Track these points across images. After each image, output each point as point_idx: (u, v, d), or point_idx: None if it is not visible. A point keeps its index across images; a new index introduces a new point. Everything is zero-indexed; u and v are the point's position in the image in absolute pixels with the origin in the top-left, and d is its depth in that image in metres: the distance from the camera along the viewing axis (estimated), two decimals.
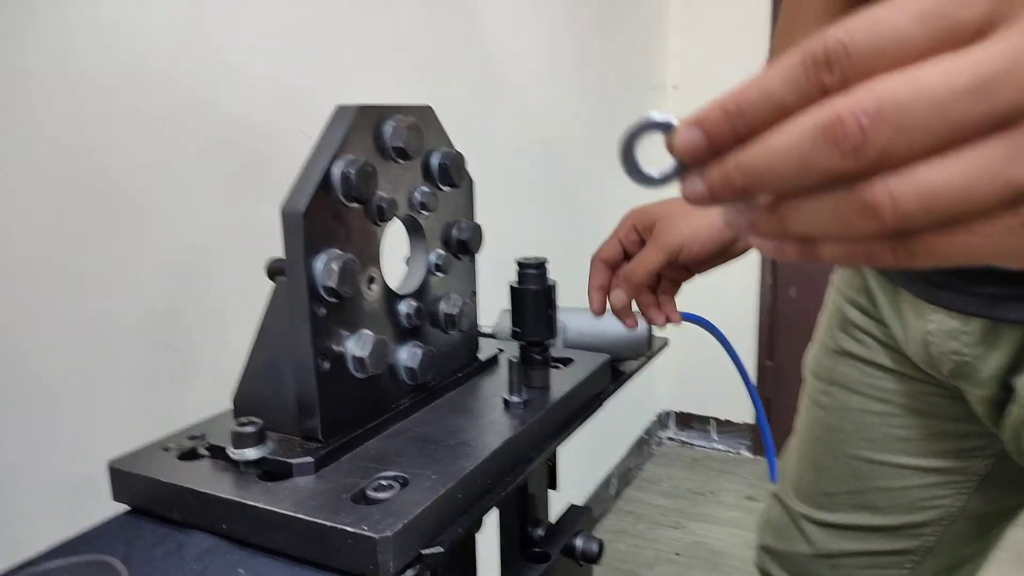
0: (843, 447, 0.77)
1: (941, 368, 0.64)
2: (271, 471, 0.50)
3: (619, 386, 0.78)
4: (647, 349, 0.82)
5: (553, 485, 0.75)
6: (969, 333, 0.60)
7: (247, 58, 0.88)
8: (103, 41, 0.72)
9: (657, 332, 0.91)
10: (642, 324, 0.82)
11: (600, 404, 0.73)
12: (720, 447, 2.64)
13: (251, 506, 0.46)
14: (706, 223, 0.65)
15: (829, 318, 0.80)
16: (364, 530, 0.43)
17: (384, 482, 0.49)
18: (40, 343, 0.69)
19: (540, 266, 0.66)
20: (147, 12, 0.76)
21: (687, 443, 2.69)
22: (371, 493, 0.48)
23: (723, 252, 0.68)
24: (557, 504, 0.77)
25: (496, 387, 0.68)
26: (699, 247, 0.66)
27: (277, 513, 0.45)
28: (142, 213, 0.77)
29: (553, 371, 0.70)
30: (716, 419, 2.64)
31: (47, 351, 0.70)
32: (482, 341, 0.74)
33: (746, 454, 2.60)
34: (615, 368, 0.80)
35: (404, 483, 0.49)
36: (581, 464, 2.05)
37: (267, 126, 0.91)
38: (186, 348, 0.83)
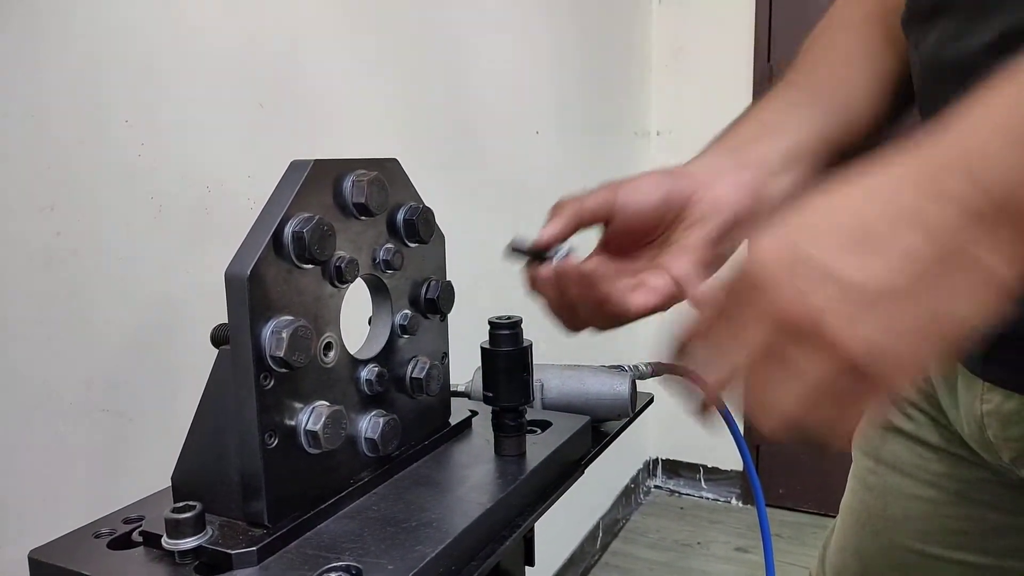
0: (891, 536, 0.68)
1: (1001, 455, 0.55)
2: (209, 562, 0.45)
3: (601, 449, 0.73)
4: (631, 408, 0.78)
5: (531, 561, 0.70)
6: None
7: (211, 117, 0.85)
8: (68, 92, 0.69)
9: (641, 387, 0.87)
10: (627, 383, 0.78)
11: (582, 470, 0.68)
12: (709, 495, 2.58)
13: None
14: None
15: None
16: None
17: (335, 574, 0.44)
18: None
19: (514, 325, 0.62)
20: (107, 63, 0.73)
21: (675, 491, 2.63)
22: None
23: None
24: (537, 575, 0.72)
25: (467, 456, 0.63)
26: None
27: None
28: (94, 274, 0.73)
29: (529, 436, 0.65)
30: (704, 466, 2.58)
31: None
32: (455, 403, 0.70)
33: (736, 503, 2.54)
34: (597, 428, 0.76)
35: (357, 574, 0.45)
36: (565, 517, 1.99)
37: (234, 182, 0.87)
38: (136, 416, 0.78)
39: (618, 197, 0.49)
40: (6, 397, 0.66)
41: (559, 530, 1.96)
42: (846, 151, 0.58)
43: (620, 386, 0.76)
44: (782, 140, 0.53)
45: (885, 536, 0.69)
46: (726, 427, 1.11)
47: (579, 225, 0.50)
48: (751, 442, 2.49)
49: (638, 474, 2.53)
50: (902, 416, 0.67)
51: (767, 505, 1.33)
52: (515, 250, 0.50)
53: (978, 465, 0.62)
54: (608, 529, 2.28)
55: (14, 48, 0.65)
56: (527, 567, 0.70)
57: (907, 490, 0.67)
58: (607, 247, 0.50)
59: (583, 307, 0.48)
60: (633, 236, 0.49)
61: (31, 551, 0.47)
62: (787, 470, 2.42)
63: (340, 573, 0.44)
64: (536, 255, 0.49)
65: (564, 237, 0.49)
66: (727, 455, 2.52)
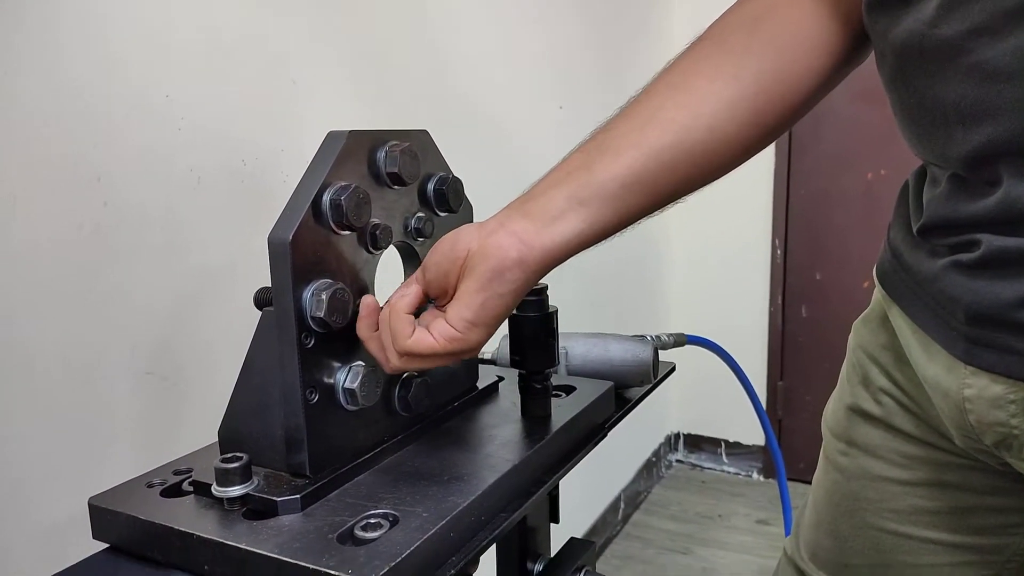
0: (865, 516, 0.70)
1: (983, 439, 0.55)
2: (256, 509, 0.48)
3: (624, 414, 0.76)
4: (653, 375, 0.80)
5: (555, 518, 0.73)
6: (1017, 402, 0.49)
7: (247, 91, 0.87)
8: (106, 69, 0.72)
9: (663, 356, 0.89)
10: (649, 350, 0.80)
11: (604, 433, 0.71)
12: (730, 469, 2.60)
13: (233, 547, 0.44)
14: None
15: (849, 371, 0.72)
16: (348, 574, 0.41)
17: (373, 520, 0.47)
18: (29, 375, 0.68)
19: (539, 292, 0.64)
20: (150, 43, 0.76)
21: (696, 465, 2.65)
22: (359, 532, 0.46)
23: None
24: (560, 535, 0.75)
25: (495, 417, 0.66)
26: None
27: (259, 555, 0.44)
28: (139, 243, 0.76)
29: (555, 399, 0.68)
30: (726, 441, 2.60)
31: (34, 383, 0.69)
32: (482, 369, 0.72)
33: (757, 477, 2.56)
34: (620, 395, 0.78)
35: (394, 521, 0.47)
36: (587, 488, 2.02)
37: (268, 155, 0.90)
38: (179, 379, 0.81)
39: (425, 258, 0.55)
40: (58, 360, 0.70)
41: (582, 501, 1.99)
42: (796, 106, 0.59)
43: (643, 353, 0.78)
44: (578, 183, 0.55)
45: (858, 516, 0.70)
46: (748, 401, 1.12)
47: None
48: (773, 416, 2.49)
49: (660, 448, 2.56)
50: (874, 403, 0.68)
51: (788, 479, 1.34)
52: None
53: (949, 451, 0.63)
54: (630, 501, 2.31)
55: (67, 32, 0.68)
56: (552, 524, 0.73)
57: (879, 472, 0.68)
58: (428, 290, 0.55)
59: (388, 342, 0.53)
60: (441, 285, 0.54)
61: (91, 498, 0.51)
62: (808, 444, 2.43)
63: (379, 519, 0.47)
64: None
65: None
66: (749, 430, 2.54)
